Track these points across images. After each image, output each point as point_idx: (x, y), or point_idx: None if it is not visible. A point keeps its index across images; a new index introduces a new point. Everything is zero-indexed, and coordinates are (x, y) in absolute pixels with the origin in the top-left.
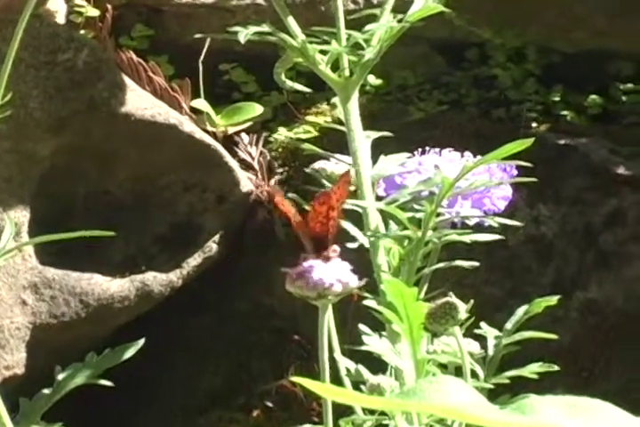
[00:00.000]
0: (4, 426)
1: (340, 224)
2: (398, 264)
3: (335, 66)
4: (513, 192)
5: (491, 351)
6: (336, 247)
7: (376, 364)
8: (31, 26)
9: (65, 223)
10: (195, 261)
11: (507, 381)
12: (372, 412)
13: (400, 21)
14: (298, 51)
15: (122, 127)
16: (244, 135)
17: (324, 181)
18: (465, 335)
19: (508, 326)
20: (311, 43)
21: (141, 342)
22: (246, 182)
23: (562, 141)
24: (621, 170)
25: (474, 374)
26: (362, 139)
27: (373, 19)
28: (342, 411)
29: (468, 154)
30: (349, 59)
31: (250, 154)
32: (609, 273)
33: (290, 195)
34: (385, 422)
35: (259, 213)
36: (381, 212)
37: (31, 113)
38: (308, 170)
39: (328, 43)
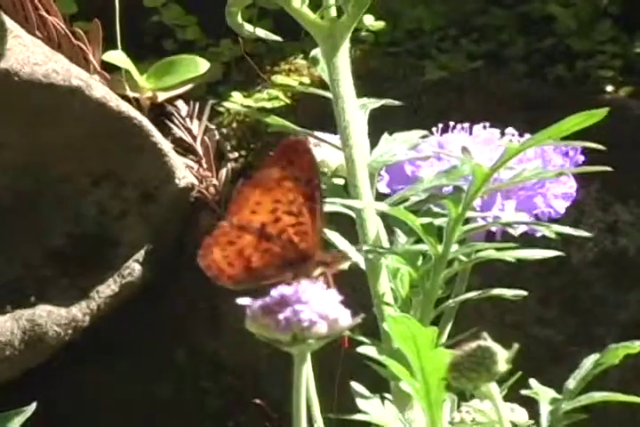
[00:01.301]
0: None
1: (321, 232)
2: (409, 293)
3: (317, 2)
4: (578, 188)
5: (545, 422)
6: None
7: None
8: None
9: None
10: (108, 289)
11: None
12: None
13: None
14: None
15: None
16: (181, 104)
17: None
18: (507, 398)
19: (571, 384)
20: None
21: (31, 408)
22: (184, 173)
23: None
24: None
25: None
26: (355, 109)
27: None
28: None
29: (511, 131)
30: None
31: (190, 131)
32: None
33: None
34: None
35: (203, 219)
36: (383, 216)
37: None
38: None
39: None
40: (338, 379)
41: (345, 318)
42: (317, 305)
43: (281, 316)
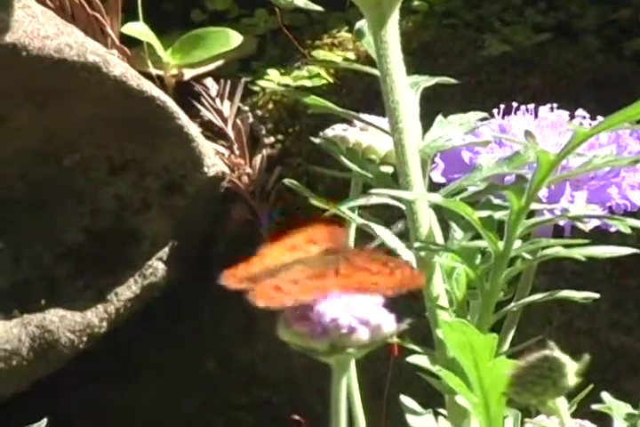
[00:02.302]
0: None
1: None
2: (466, 296)
3: None
4: None
5: None
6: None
7: None
8: None
9: None
10: (128, 291)
11: None
12: None
13: None
14: None
15: (5, 69)
16: (210, 82)
17: (344, 159)
18: (577, 414)
19: None
20: None
21: (42, 423)
22: (214, 160)
23: None
24: None
25: None
26: (405, 88)
27: None
28: None
29: (582, 113)
30: None
31: (220, 113)
32: None
33: (286, 181)
34: None
35: (234, 212)
36: (437, 209)
37: None
38: (316, 139)
39: None
40: (386, 392)
41: (389, 324)
42: (358, 309)
43: (317, 322)
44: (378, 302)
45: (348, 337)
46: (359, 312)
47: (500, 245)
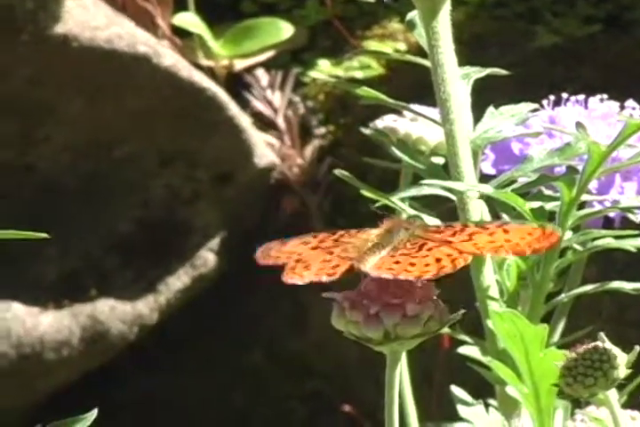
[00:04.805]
0: None
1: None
2: (516, 287)
3: None
4: None
5: None
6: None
7: None
8: None
9: None
10: (178, 281)
11: None
12: None
13: None
14: None
15: (57, 60)
16: (261, 73)
17: (396, 150)
18: (627, 405)
19: None
20: None
21: (91, 416)
22: (264, 151)
23: None
24: None
25: None
26: (457, 79)
27: None
28: None
29: (632, 104)
30: None
31: (271, 104)
32: None
33: (337, 172)
34: None
35: (285, 203)
36: (488, 200)
37: None
38: (366, 130)
39: None
40: (436, 383)
41: (442, 314)
42: (411, 299)
43: (372, 310)
44: (433, 291)
45: (401, 326)
46: (414, 302)
47: None
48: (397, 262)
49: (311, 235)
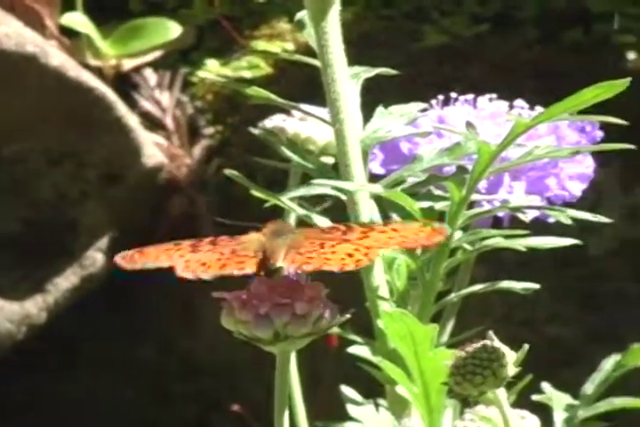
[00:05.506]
0: None
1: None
2: (406, 286)
3: None
4: (596, 167)
5: None
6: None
7: None
8: None
9: None
10: (67, 281)
11: None
12: None
13: None
14: None
15: None
16: (149, 73)
17: (285, 150)
18: (517, 404)
19: (589, 388)
20: None
21: None
22: (153, 151)
23: None
24: None
25: None
26: (346, 79)
27: None
28: None
29: (521, 104)
30: None
31: (159, 104)
32: None
33: (226, 171)
34: None
35: (174, 203)
36: (378, 200)
37: None
38: (255, 130)
39: None
40: (326, 383)
41: (332, 314)
42: (301, 299)
43: (261, 310)
44: (322, 291)
45: (291, 326)
46: (303, 302)
47: None
48: (311, 258)
49: (172, 243)
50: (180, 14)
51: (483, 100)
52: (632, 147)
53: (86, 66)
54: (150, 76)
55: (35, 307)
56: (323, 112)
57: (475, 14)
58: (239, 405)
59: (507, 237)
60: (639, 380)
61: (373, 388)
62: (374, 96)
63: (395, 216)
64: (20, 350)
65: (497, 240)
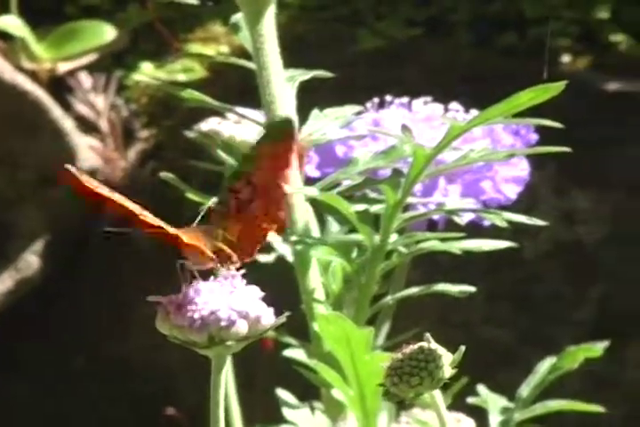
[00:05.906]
0: None
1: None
2: (342, 289)
3: None
4: (531, 170)
5: None
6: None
7: None
8: None
9: None
10: (2, 285)
11: None
12: None
13: None
14: None
15: None
16: (83, 76)
17: (220, 152)
18: (453, 407)
19: (524, 391)
20: None
21: None
22: (87, 154)
23: (613, 86)
24: None
25: None
26: (281, 82)
27: None
28: None
29: (456, 107)
30: None
31: (94, 107)
32: None
33: (162, 175)
34: None
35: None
36: (313, 203)
37: None
38: (190, 133)
39: None
40: (261, 386)
41: (268, 317)
42: (237, 302)
43: (196, 315)
44: (257, 295)
45: (227, 330)
46: (238, 305)
47: (376, 238)
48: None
49: None
50: (115, 18)
51: (418, 103)
52: (567, 150)
53: (21, 69)
54: (85, 79)
55: None
56: (258, 115)
57: (410, 18)
58: (174, 409)
59: (442, 240)
60: (575, 382)
61: (309, 391)
62: (310, 99)
63: (330, 219)
64: None
65: (432, 243)
